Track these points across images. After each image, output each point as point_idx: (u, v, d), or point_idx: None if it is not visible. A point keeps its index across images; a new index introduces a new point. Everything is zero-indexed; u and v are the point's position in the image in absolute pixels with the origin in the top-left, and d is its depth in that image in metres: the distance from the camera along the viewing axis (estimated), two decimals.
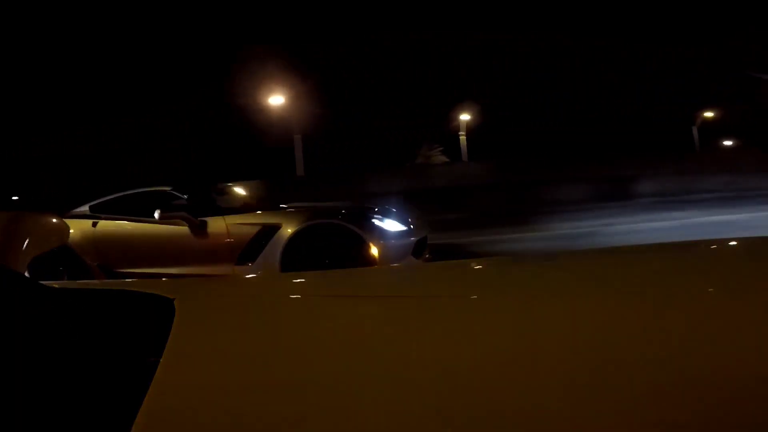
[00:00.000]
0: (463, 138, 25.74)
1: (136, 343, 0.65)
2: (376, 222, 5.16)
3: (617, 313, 0.67)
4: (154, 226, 5.30)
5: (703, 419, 0.43)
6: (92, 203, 6.06)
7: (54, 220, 1.20)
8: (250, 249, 5.02)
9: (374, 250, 4.95)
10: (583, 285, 0.85)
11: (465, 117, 25.81)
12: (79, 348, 0.59)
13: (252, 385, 0.54)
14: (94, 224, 5.67)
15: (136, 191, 5.90)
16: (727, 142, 28.13)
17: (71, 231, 5.74)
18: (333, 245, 4.94)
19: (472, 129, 25.30)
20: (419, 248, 5.49)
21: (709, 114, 26.49)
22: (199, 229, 5.14)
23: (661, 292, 0.74)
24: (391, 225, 5.25)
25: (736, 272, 0.83)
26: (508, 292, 0.85)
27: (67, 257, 5.75)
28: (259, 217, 5.14)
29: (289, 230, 4.91)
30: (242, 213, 5.27)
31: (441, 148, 28.00)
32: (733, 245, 1.05)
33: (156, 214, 5.09)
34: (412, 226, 5.48)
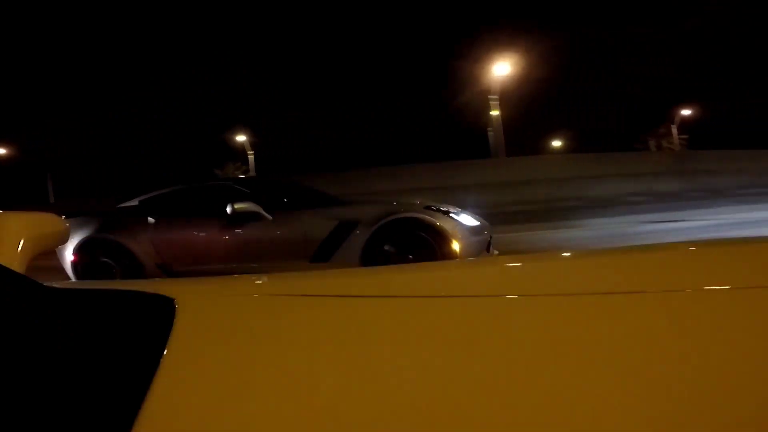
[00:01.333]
0: (251, 157, 29.46)
1: (136, 344, 0.65)
2: (455, 216, 4.98)
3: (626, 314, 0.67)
4: (221, 222, 5.03)
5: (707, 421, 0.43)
6: (142, 197, 5.75)
7: (54, 220, 1.18)
8: (326, 246, 4.79)
9: (456, 246, 4.76)
10: (589, 285, 0.85)
11: (242, 138, 29.63)
12: (78, 348, 0.59)
13: (253, 386, 0.54)
14: (152, 220, 5.36)
15: (195, 185, 5.61)
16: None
17: (124, 227, 5.43)
18: (415, 241, 4.74)
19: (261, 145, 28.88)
20: (489, 244, 5.34)
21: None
22: (271, 224, 4.89)
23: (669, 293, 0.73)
24: (467, 220, 5.08)
25: (739, 272, 0.83)
26: (521, 292, 0.85)
27: (119, 255, 5.44)
28: (335, 212, 4.90)
29: (371, 225, 4.69)
30: (316, 208, 5.02)
31: (245, 167, 31.01)
32: (735, 246, 1.07)
33: (228, 209, 4.83)
34: (482, 222, 5.32)
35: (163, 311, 0.74)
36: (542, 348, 0.59)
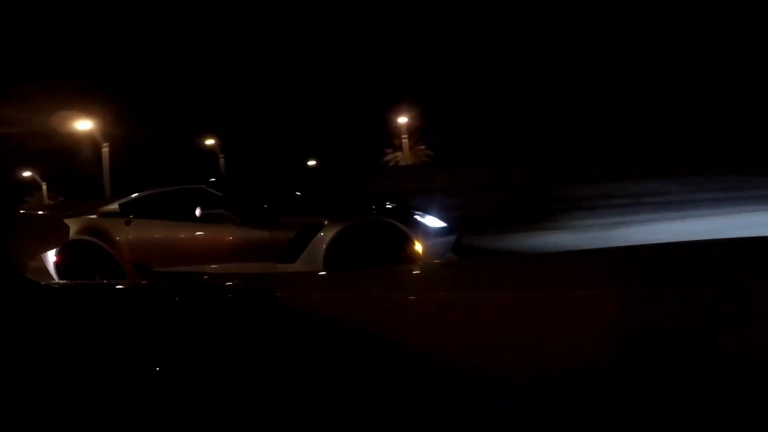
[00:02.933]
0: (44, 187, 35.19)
1: (136, 343, 0.66)
2: (419, 218, 5.11)
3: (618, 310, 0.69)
4: (192, 224, 5.21)
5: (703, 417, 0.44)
6: (122, 201, 5.94)
7: (54, 220, 1.20)
8: (292, 247, 4.95)
9: (418, 248, 4.89)
10: (587, 283, 0.87)
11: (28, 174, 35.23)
12: (78, 347, 0.59)
13: (252, 385, 0.55)
14: (128, 222, 5.56)
15: (169, 188, 5.80)
16: None
17: (102, 229, 5.64)
18: (378, 243, 4.88)
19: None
20: (457, 245, 5.46)
21: None
22: (240, 226, 5.05)
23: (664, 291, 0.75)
24: (432, 221, 5.20)
25: (739, 272, 0.83)
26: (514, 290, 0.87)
27: (99, 256, 5.64)
28: (301, 215, 5.06)
29: (334, 228, 4.84)
30: (283, 210, 5.19)
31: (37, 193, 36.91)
32: (734, 245, 1.08)
33: (197, 212, 5.00)
34: (449, 223, 5.44)
35: (163, 311, 0.75)
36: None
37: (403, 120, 28.98)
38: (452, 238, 5.34)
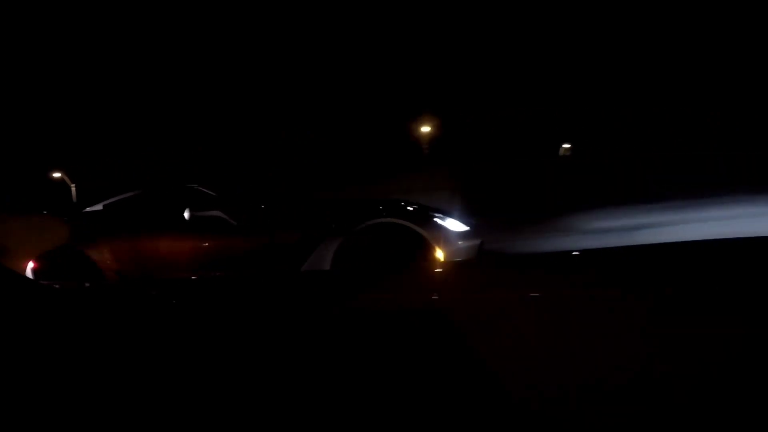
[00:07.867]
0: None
1: (136, 343, 0.72)
2: (439, 221, 4.53)
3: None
4: (184, 228, 4.65)
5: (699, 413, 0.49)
6: (107, 201, 5.39)
7: (53, 222, 1.03)
8: (296, 253, 4.37)
9: (439, 254, 4.32)
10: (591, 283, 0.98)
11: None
12: (78, 347, 0.67)
13: (252, 384, 0.62)
14: (113, 225, 5.01)
15: (158, 188, 5.25)
16: None
17: (84, 232, 5.08)
18: (392, 248, 4.31)
19: None
20: (480, 251, 4.88)
21: None
22: (236, 230, 4.48)
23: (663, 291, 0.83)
24: (454, 225, 4.63)
25: (736, 271, 0.87)
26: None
27: (78, 262, 5.09)
28: (306, 217, 4.49)
29: (343, 231, 4.27)
30: (286, 212, 4.61)
31: None
32: (733, 245, 1.15)
33: (186, 214, 4.43)
34: (472, 227, 4.86)
35: (164, 311, 0.81)
36: None
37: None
38: (477, 243, 4.76)
